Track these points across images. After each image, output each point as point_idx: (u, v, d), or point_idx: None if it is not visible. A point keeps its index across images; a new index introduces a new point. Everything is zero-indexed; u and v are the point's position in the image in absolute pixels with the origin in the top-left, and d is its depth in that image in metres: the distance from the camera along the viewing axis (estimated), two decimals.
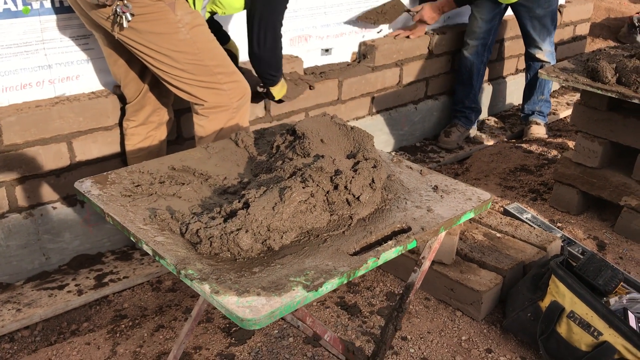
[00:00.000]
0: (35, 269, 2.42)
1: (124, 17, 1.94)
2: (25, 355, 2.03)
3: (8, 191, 2.30)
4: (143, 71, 2.32)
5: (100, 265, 2.51)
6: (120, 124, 2.49)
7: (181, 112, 2.64)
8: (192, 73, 2.08)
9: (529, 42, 3.70)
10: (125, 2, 1.91)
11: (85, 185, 1.50)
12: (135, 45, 2.05)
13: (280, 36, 2.32)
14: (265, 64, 2.37)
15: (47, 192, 2.41)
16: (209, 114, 2.16)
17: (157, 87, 2.38)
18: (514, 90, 4.34)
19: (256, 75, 2.48)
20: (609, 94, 2.45)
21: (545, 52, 3.67)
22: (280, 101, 2.69)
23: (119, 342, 2.08)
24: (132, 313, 2.25)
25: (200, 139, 2.20)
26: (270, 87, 2.52)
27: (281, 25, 2.28)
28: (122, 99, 2.46)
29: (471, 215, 1.45)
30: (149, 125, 2.43)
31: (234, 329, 2.12)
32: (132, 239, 1.31)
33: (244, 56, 2.54)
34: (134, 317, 2.22)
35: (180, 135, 2.72)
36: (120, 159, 2.54)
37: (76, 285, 2.37)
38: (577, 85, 2.53)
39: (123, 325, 2.17)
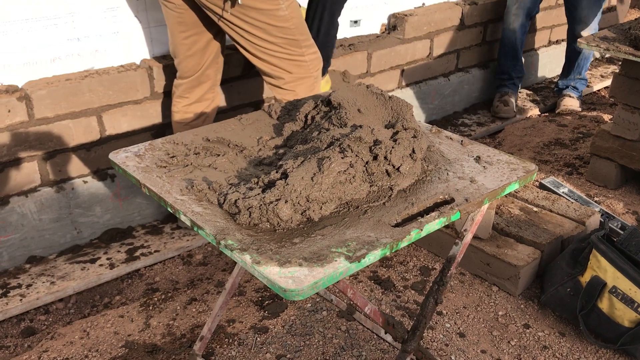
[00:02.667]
0: (67, 243, 2.44)
1: None
2: (61, 327, 2.04)
3: (40, 165, 2.31)
4: (207, 45, 2.29)
5: (131, 239, 2.52)
6: (160, 96, 2.48)
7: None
8: (282, 46, 2.13)
9: (575, 19, 3.56)
10: None
11: (120, 157, 1.48)
12: (232, 20, 2.06)
13: (337, 26, 2.30)
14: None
15: (78, 166, 2.41)
16: (294, 87, 2.21)
17: (216, 62, 2.36)
18: (547, 63, 4.23)
19: None
20: None
21: (591, 31, 3.54)
22: None
23: (152, 315, 2.08)
24: (164, 286, 2.26)
25: None
26: None
27: (339, 14, 2.28)
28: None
29: (516, 186, 1.40)
30: (204, 103, 2.41)
31: (267, 302, 2.10)
32: (169, 209, 1.29)
33: None
34: (166, 291, 2.22)
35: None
36: (150, 132, 2.53)
37: (108, 259, 2.38)
38: (618, 54, 2.43)
39: (155, 299, 2.17)
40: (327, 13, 2.31)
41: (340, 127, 1.50)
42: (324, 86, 2.59)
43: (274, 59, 2.16)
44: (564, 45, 4.29)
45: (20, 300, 2.13)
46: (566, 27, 3.76)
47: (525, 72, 4.07)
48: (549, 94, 4.04)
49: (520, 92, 4.06)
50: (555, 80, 4.29)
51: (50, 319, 2.11)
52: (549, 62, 4.21)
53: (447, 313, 2.07)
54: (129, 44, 2.47)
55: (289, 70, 2.18)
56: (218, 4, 2.02)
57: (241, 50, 2.19)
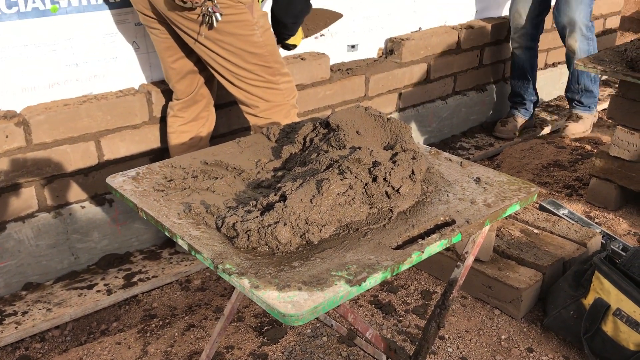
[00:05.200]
0: (65, 269, 2.41)
1: (214, 17, 1.97)
2: (57, 355, 2.01)
3: (37, 190, 2.29)
4: (198, 65, 2.30)
5: (129, 265, 2.49)
6: (159, 121, 2.48)
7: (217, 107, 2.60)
8: (257, 73, 2.14)
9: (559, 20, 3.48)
10: (215, 2, 1.95)
11: (118, 181, 1.47)
12: (207, 44, 2.07)
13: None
14: (295, 7, 2.28)
15: (76, 192, 2.39)
16: (269, 115, 2.21)
17: (210, 81, 2.38)
18: (543, 86, 4.24)
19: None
20: None
21: (577, 33, 3.40)
22: (291, 47, 2.53)
23: (150, 342, 2.05)
24: (162, 312, 2.22)
25: None
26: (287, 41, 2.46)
27: None
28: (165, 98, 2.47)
29: (517, 207, 1.39)
30: (199, 122, 2.42)
31: (266, 328, 2.07)
32: (166, 233, 1.27)
33: None
34: (163, 317, 2.19)
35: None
36: (149, 157, 2.52)
37: (105, 284, 2.35)
38: (615, 76, 2.44)
39: (153, 325, 2.14)
40: None
41: (339, 148, 1.49)
42: (295, 38, 2.49)
43: (249, 86, 2.16)
44: (560, 67, 4.32)
45: (16, 327, 2.09)
46: (562, 50, 3.77)
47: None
48: (545, 117, 4.05)
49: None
50: (552, 103, 4.31)
51: (46, 347, 2.08)
52: (545, 85, 4.23)
53: (449, 337, 2.04)
54: (127, 69, 2.47)
55: (264, 98, 2.19)
56: (194, 28, 2.03)
57: (218, 77, 2.19)
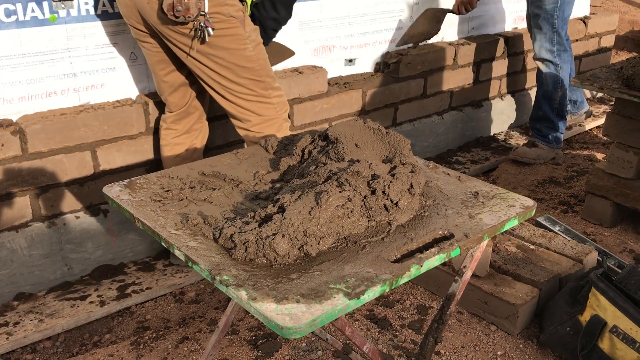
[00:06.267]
0: (58, 279, 2.39)
1: (206, 31, 1.98)
2: None
3: (31, 200, 2.28)
4: (190, 78, 2.30)
5: (123, 276, 2.47)
6: (155, 132, 2.47)
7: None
8: (249, 88, 2.14)
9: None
10: (207, 16, 1.96)
11: (114, 190, 1.46)
12: (200, 59, 2.07)
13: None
14: (285, 9, 2.28)
15: (71, 201, 2.38)
16: (261, 129, 2.20)
17: (203, 94, 2.37)
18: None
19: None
20: None
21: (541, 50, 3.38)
22: None
23: (143, 354, 2.02)
24: (155, 325, 2.20)
25: None
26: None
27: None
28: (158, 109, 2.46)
29: (515, 222, 1.39)
30: (192, 134, 2.41)
31: (260, 341, 2.05)
32: (163, 244, 1.26)
33: None
34: (157, 329, 2.17)
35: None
36: (145, 168, 2.51)
37: (98, 296, 2.33)
38: (612, 93, 2.46)
39: (146, 337, 2.12)
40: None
41: (338, 161, 1.49)
42: None
43: (241, 100, 2.16)
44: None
45: (7, 338, 2.07)
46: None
47: (518, 111, 4.10)
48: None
49: (513, 131, 4.08)
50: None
51: (37, 359, 2.05)
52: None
53: (445, 353, 2.02)
54: (125, 80, 2.47)
55: (256, 112, 2.18)
56: (186, 42, 2.03)
57: (210, 91, 2.19)
